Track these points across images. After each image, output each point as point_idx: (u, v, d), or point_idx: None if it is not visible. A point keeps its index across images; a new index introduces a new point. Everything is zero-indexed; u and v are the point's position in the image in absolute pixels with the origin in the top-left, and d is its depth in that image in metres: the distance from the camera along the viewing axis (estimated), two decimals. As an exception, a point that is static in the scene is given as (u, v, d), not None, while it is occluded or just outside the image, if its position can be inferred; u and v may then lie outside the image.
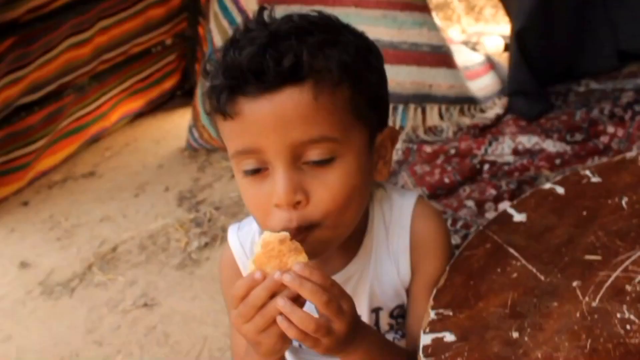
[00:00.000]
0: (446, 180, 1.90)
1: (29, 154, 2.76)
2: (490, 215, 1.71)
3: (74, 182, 2.84)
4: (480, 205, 1.75)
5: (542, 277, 0.87)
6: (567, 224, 0.97)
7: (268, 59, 0.76)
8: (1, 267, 2.30)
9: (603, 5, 2.15)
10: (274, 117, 0.77)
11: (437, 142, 2.17)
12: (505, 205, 1.74)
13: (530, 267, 0.90)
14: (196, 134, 2.68)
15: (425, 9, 2.17)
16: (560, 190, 1.06)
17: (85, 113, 2.97)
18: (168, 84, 3.30)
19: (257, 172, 0.81)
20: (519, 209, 1.03)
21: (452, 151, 2.07)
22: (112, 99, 3.05)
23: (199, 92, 2.65)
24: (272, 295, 0.74)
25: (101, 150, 3.06)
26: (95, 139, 3.11)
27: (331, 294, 0.74)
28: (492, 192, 1.78)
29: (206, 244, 2.06)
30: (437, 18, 2.31)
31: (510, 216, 1.02)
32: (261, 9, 0.85)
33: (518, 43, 2.06)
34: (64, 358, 1.75)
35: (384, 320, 0.98)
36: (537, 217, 1.01)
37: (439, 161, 2.05)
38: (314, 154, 0.79)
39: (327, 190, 0.80)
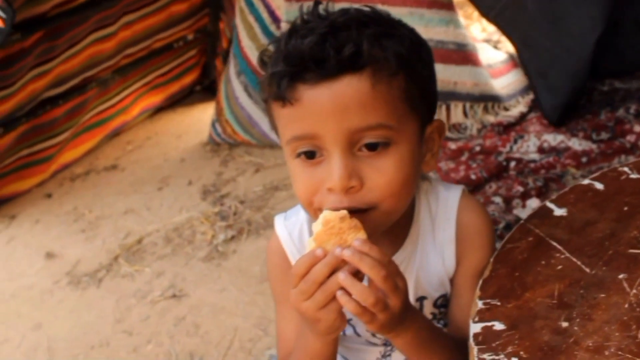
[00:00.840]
0: (472, 176, 1.92)
1: (53, 146, 2.79)
2: (517, 211, 1.73)
3: (97, 175, 2.87)
4: (507, 201, 1.77)
5: (587, 270, 0.89)
6: (608, 218, 0.99)
7: (329, 47, 0.79)
8: (28, 257, 2.33)
9: (631, 5, 2.16)
10: (332, 104, 0.80)
11: (461, 139, 2.19)
12: (533, 202, 1.76)
13: (574, 259, 0.92)
14: (219, 129, 2.70)
15: (451, 7, 2.19)
16: (599, 186, 1.07)
17: (107, 107, 2.99)
18: (188, 79, 3.32)
19: (312, 157, 0.83)
20: (558, 204, 1.05)
21: (477, 148, 2.09)
22: (134, 93, 3.07)
23: (222, 88, 2.67)
24: (332, 272, 0.77)
25: (122, 144, 3.09)
26: (116, 133, 3.13)
27: (389, 270, 0.77)
28: (519, 188, 1.80)
29: (232, 237, 2.09)
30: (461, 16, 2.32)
31: (551, 210, 1.04)
32: (316, 3, 0.88)
33: (595, 50, 2.03)
34: (95, 347, 1.78)
35: (428, 309, 1.00)
36: (578, 212, 1.02)
37: (463, 158, 2.07)
38: (369, 139, 0.81)
39: (382, 176, 0.82)
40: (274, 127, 0.89)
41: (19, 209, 2.67)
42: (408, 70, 0.83)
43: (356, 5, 0.89)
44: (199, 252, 2.07)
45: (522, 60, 2.21)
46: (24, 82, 2.46)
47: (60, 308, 1.99)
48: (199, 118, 3.15)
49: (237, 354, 1.60)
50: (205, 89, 3.39)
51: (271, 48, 0.88)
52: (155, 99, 3.23)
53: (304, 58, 0.79)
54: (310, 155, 0.83)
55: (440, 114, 2.23)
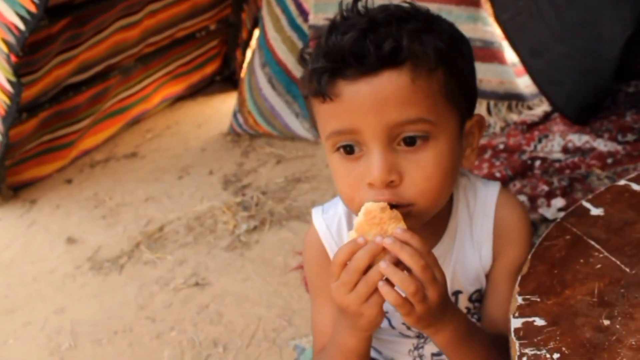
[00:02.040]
0: (497, 174, 1.92)
1: (74, 132, 2.81)
2: (543, 210, 1.73)
3: (116, 162, 2.89)
4: (532, 200, 1.77)
5: (627, 269, 0.89)
6: (647, 219, 0.99)
7: (369, 43, 0.80)
8: (49, 241, 2.35)
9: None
10: (372, 98, 0.80)
11: (485, 136, 2.19)
12: (558, 202, 1.76)
13: (613, 259, 0.92)
14: (241, 119, 2.71)
15: (478, 4, 2.19)
16: (636, 187, 1.08)
17: (128, 94, 3.01)
18: (209, 69, 3.34)
19: (352, 152, 0.84)
20: (595, 204, 1.05)
21: (501, 146, 2.09)
22: (156, 81, 3.09)
23: (246, 79, 2.68)
24: (373, 264, 0.79)
25: (142, 132, 3.11)
26: (136, 121, 3.15)
27: (428, 261, 0.79)
28: (544, 187, 1.80)
29: (255, 228, 2.10)
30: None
31: (587, 210, 1.04)
32: (355, 1, 0.89)
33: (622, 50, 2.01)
34: (118, 332, 1.79)
35: (462, 304, 1.01)
36: (615, 212, 1.02)
37: (486, 155, 2.07)
38: (409, 132, 0.82)
39: (421, 171, 0.83)
40: (314, 123, 0.90)
41: (40, 194, 2.70)
42: (447, 65, 0.84)
43: (396, 2, 0.90)
44: (221, 241, 2.08)
45: (530, 70, 2.19)
46: (49, 68, 2.48)
47: (83, 293, 2.01)
48: (219, 108, 3.17)
49: (261, 343, 1.61)
50: (225, 79, 3.40)
51: (310, 46, 0.88)
52: (176, 88, 3.25)
53: (344, 54, 0.80)
54: (349, 150, 0.84)
55: (464, 111, 2.23)
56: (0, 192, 2.66)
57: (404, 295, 0.79)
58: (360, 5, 0.88)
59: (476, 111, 2.25)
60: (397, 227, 0.81)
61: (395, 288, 0.79)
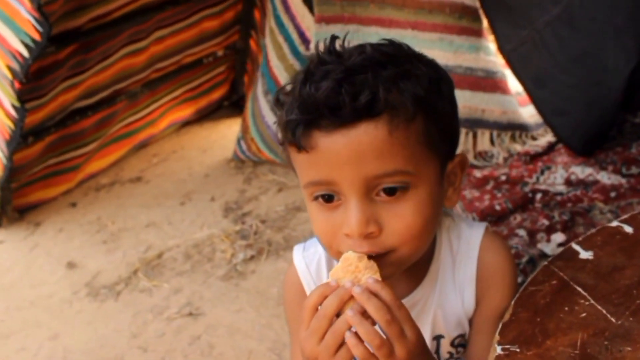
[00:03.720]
0: (497, 207, 1.89)
1: (80, 156, 2.83)
2: (542, 245, 1.70)
3: (121, 186, 2.89)
4: (532, 235, 1.73)
5: (613, 319, 0.86)
6: (637, 264, 0.96)
7: (344, 94, 0.77)
8: (49, 265, 2.35)
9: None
10: (349, 151, 0.78)
11: (487, 167, 2.16)
12: (558, 237, 1.72)
13: (599, 307, 0.89)
14: (244, 146, 2.71)
15: (481, 33, 2.18)
16: (628, 229, 1.04)
17: (135, 119, 3.03)
18: (216, 95, 3.35)
19: (330, 200, 0.83)
20: (584, 246, 1.02)
21: (503, 177, 2.06)
22: (162, 106, 3.10)
23: (249, 106, 2.68)
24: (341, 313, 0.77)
25: (148, 157, 3.11)
26: (142, 145, 3.16)
27: (395, 315, 0.76)
28: (545, 222, 1.77)
29: (252, 257, 2.08)
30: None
31: (576, 253, 1.01)
32: (333, 39, 0.86)
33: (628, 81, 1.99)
34: (109, 361, 1.78)
35: (445, 349, 0.98)
36: (605, 256, 0.99)
37: (488, 187, 2.04)
38: (387, 184, 0.80)
39: (400, 221, 0.81)
40: (293, 169, 0.89)
41: (44, 217, 2.70)
42: (427, 111, 0.81)
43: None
44: (218, 270, 2.06)
45: (535, 100, 2.16)
46: (55, 93, 2.50)
47: (78, 319, 2.00)
48: (225, 134, 3.17)
49: (250, 377, 1.58)
50: (232, 104, 3.41)
51: (288, 87, 0.86)
52: (183, 113, 3.26)
53: (318, 106, 0.78)
54: (328, 198, 0.83)
55: (467, 141, 2.21)
56: (6, 214, 2.68)
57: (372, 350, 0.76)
58: (337, 44, 0.86)
59: (479, 141, 2.21)
60: (370, 277, 0.79)
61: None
